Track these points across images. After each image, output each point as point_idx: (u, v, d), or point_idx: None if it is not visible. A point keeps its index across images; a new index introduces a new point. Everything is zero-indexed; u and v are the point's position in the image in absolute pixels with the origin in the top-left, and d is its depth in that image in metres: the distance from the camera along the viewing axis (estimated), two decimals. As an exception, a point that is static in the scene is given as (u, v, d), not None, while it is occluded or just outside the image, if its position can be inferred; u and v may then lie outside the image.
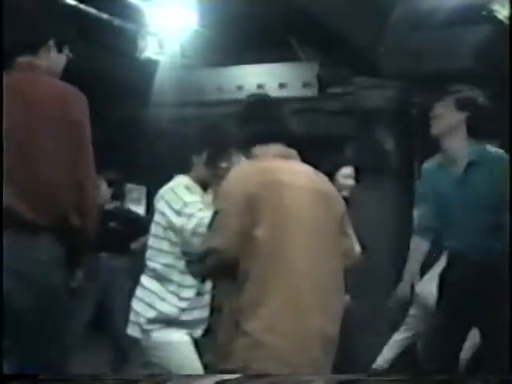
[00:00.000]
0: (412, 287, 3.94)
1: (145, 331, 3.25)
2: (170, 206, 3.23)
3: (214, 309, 3.29)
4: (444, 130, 3.51)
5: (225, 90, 8.23)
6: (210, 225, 2.57)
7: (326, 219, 2.63)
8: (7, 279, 2.51)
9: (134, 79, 7.58)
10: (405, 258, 3.92)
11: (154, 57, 7.14)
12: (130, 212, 6.38)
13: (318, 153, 3.66)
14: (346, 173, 4.37)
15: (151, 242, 3.35)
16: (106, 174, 5.87)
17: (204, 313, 3.31)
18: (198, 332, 3.31)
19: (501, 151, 3.53)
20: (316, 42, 6.96)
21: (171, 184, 3.33)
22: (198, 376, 3.03)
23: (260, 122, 2.71)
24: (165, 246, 3.27)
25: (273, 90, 7.43)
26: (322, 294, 2.54)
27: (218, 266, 2.53)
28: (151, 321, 3.24)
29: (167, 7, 6.70)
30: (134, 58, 7.05)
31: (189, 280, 3.27)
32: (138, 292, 3.35)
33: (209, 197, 3.41)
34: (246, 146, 2.72)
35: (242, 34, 6.94)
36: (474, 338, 3.92)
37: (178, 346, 3.24)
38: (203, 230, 3.12)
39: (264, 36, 6.91)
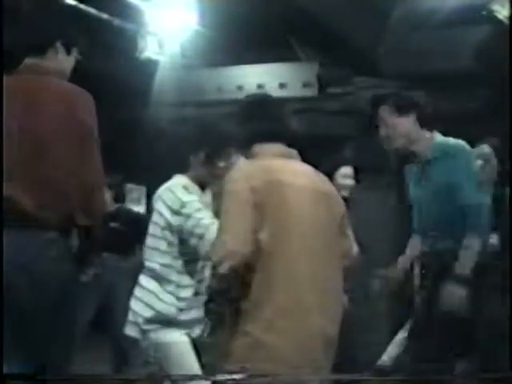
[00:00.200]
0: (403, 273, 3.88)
1: (143, 331, 3.25)
2: (168, 206, 3.23)
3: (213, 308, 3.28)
4: (390, 132, 3.49)
5: (225, 90, 8.22)
6: (219, 228, 2.56)
7: (327, 219, 2.63)
8: (9, 274, 2.52)
9: (134, 79, 7.57)
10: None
11: (153, 57, 7.14)
12: (131, 212, 6.38)
13: (318, 153, 3.66)
14: (344, 173, 4.36)
15: (149, 241, 3.34)
16: (106, 177, 5.87)
17: (202, 312, 3.30)
18: (197, 332, 3.31)
19: (461, 143, 3.48)
20: (316, 42, 6.96)
21: (169, 184, 3.33)
22: (198, 376, 3.03)
23: (260, 121, 2.71)
24: (162, 245, 3.27)
25: (273, 90, 7.43)
26: (322, 295, 2.54)
27: (234, 272, 2.43)
28: (149, 321, 3.24)
29: (167, 7, 6.70)
30: (133, 58, 7.05)
31: (186, 280, 3.27)
32: (137, 292, 3.35)
33: (207, 197, 3.41)
34: (245, 146, 2.72)
35: (241, 34, 6.94)
36: None
37: (176, 347, 3.24)
38: (201, 230, 3.12)
39: (264, 36, 6.91)
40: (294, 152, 2.71)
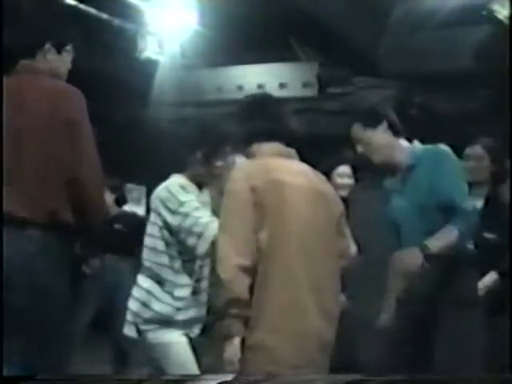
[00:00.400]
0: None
1: (141, 332, 3.25)
2: (166, 206, 3.22)
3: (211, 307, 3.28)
4: (365, 149, 3.37)
5: (225, 90, 8.23)
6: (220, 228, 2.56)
7: (325, 219, 2.63)
8: None
9: (134, 79, 7.57)
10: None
11: (153, 57, 7.14)
12: (134, 215, 6.38)
13: (318, 153, 3.66)
14: (342, 172, 4.34)
15: (147, 241, 3.34)
16: (108, 181, 5.90)
17: (201, 312, 3.30)
18: (195, 332, 3.31)
19: (440, 147, 3.29)
20: (316, 42, 6.96)
21: (166, 183, 3.33)
22: (196, 376, 3.03)
23: (259, 120, 2.71)
24: (160, 245, 3.27)
25: (273, 90, 7.42)
26: (320, 295, 2.54)
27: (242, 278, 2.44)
28: (147, 321, 3.23)
29: (167, 7, 6.70)
30: (133, 58, 7.05)
31: (184, 279, 3.26)
32: (135, 292, 3.35)
33: (204, 196, 3.41)
34: (244, 145, 2.72)
35: (241, 34, 6.93)
36: None
37: (174, 347, 3.24)
38: (199, 228, 3.11)
39: (264, 36, 6.90)
40: (293, 151, 2.71)
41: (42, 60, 2.80)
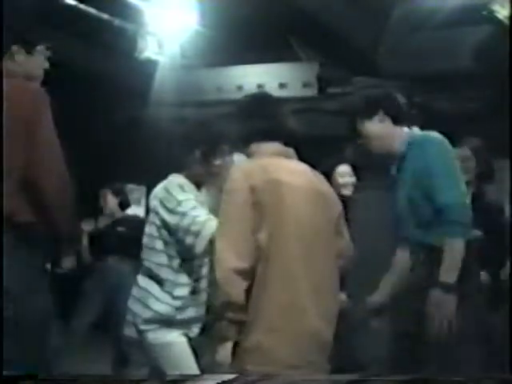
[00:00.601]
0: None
1: (141, 332, 3.24)
2: (164, 205, 3.22)
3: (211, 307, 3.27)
4: (365, 141, 3.32)
5: (224, 90, 8.23)
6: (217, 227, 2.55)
7: (324, 219, 2.62)
8: None
9: (134, 79, 7.57)
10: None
11: (153, 57, 7.14)
12: (137, 218, 6.38)
13: (318, 152, 3.65)
14: (342, 171, 4.34)
15: (146, 241, 3.35)
16: (111, 185, 5.91)
17: (200, 311, 3.30)
18: (195, 331, 3.31)
19: (431, 133, 3.19)
20: (316, 42, 6.96)
21: (164, 183, 3.33)
22: (196, 376, 3.02)
23: (258, 119, 2.69)
24: (158, 244, 3.27)
25: (273, 90, 7.42)
26: (319, 295, 2.53)
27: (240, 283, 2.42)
28: (147, 321, 3.23)
29: (167, 7, 6.69)
30: (133, 58, 7.05)
31: (183, 278, 3.26)
32: (134, 292, 3.35)
33: (203, 195, 3.41)
34: (243, 144, 2.71)
35: (241, 34, 6.93)
36: None
37: (174, 347, 3.24)
38: (197, 227, 3.11)
39: (264, 36, 6.90)
40: (292, 151, 2.70)
41: (11, 62, 2.79)
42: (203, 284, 3.32)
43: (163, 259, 3.26)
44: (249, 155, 2.69)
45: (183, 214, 3.15)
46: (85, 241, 5.81)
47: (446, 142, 3.13)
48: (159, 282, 3.26)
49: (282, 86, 7.98)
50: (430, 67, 6.71)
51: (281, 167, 2.59)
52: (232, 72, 8.31)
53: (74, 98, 7.33)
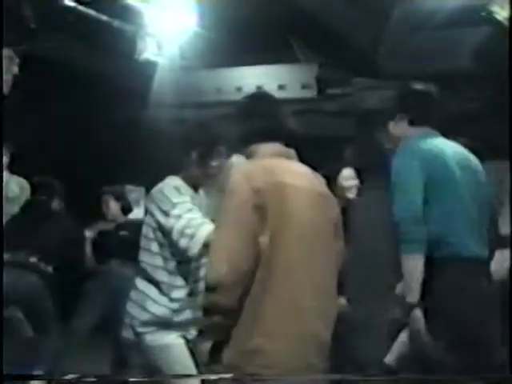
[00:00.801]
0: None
1: (138, 334, 3.24)
2: (159, 207, 3.22)
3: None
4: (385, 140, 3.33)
5: (224, 92, 8.22)
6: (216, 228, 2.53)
7: (325, 222, 2.61)
8: None
9: (133, 81, 7.57)
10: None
11: (152, 58, 7.12)
12: (140, 222, 6.38)
13: (318, 154, 3.65)
14: (346, 175, 4.36)
15: (142, 243, 3.34)
16: (112, 190, 5.90)
17: (198, 313, 3.29)
18: (193, 333, 3.30)
19: (409, 141, 3.16)
20: (316, 43, 6.96)
21: (160, 185, 3.32)
22: (194, 377, 3.01)
23: (257, 119, 2.67)
24: (154, 246, 3.27)
25: (272, 92, 7.31)
26: (320, 298, 2.52)
27: (237, 283, 2.37)
28: (144, 323, 3.23)
29: (166, 9, 6.69)
30: (132, 59, 7.04)
31: (179, 280, 3.26)
32: (132, 294, 3.35)
33: (200, 197, 3.40)
34: (242, 145, 2.69)
35: (241, 35, 6.93)
36: None
37: (172, 349, 3.23)
38: (192, 230, 3.10)
39: (263, 37, 6.90)
40: (293, 152, 2.67)
41: None
42: (201, 286, 3.30)
43: (158, 261, 3.25)
44: (248, 156, 2.66)
45: (178, 217, 3.14)
46: (88, 245, 5.81)
47: (417, 151, 3.06)
48: (156, 284, 3.25)
49: (281, 87, 7.97)
50: (430, 67, 6.70)
51: (283, 169, 2.55)
52: (231, 73, 8.30)
53: (73, 99, 7.33)
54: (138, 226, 6.07)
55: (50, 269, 5.35)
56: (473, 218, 3.07)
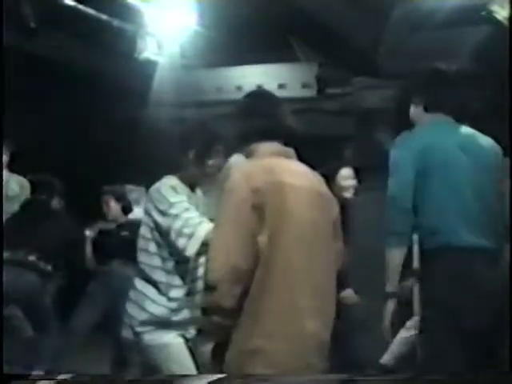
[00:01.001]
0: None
1: (137, 333, 3.24)
2: (156, 207, 3.22)
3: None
4: None
5: (224, 91, 8.23)
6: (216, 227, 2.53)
7: (324, 221, 2.60)
8: None
9: (133, 80, 7.57)
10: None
11: (153, 57, 7.13)
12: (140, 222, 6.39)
13: (318, 153, 3.65)
14: (345, 174, 4.36)
15: (140, 243, 3.34)
16: (113, 190, 5.90)
17: (196, 312, 3.29)
18: (192, 332, 3.30)
19: (404, 134, 3.26)
20: (316, 43, 6.96)
21: (157, 185, 3.31)
22: (194, 376, 3.02)
23: (257, 118, 2.66)
24: (151, 246, 3.27)
25: (272, 91, 7.40)
26: (319, 298, 2.51)
27: (236, 283, 2.36)
28: (143, 323, 3.23)
29: (166, 8, 6.69)
30: (133, 58, 7.05)
31: (177, 280, 3.26)
32: (131, 294, 3.35)
33: (197, 197, 3.40)
34: (241, 143, 2.69)
35: (241, 34, 6.93)
36: None
37: (171, 348, 3.23)
38: (190, 229, 3.09)
39: (263, 37, 6.90)
40: (292, 151, 2.66)
41: None
42: (199, 285, 3.30)
43: (156, 261, 3.26)
44: (248, 155, 2.66)
45: (175, 216, 3.14)
46: (88, 245, 5.81)
47: (411, 143, 3.11)
48: (154, 283, 3.26)
49: (281, 86, 7.98)
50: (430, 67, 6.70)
51: (283, 168, 2.54)
52: (231, 72, 8.31)
53: (73, 98, 7.33)
54: (138, 226, 6.10)
55: (49, 267, 5.35)
56: (469, 206, 3.06)
